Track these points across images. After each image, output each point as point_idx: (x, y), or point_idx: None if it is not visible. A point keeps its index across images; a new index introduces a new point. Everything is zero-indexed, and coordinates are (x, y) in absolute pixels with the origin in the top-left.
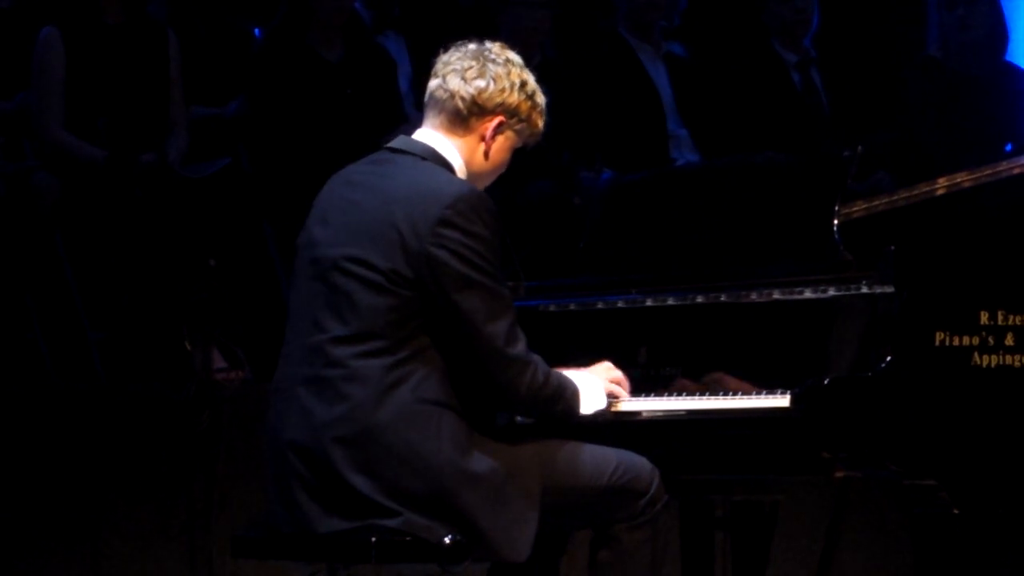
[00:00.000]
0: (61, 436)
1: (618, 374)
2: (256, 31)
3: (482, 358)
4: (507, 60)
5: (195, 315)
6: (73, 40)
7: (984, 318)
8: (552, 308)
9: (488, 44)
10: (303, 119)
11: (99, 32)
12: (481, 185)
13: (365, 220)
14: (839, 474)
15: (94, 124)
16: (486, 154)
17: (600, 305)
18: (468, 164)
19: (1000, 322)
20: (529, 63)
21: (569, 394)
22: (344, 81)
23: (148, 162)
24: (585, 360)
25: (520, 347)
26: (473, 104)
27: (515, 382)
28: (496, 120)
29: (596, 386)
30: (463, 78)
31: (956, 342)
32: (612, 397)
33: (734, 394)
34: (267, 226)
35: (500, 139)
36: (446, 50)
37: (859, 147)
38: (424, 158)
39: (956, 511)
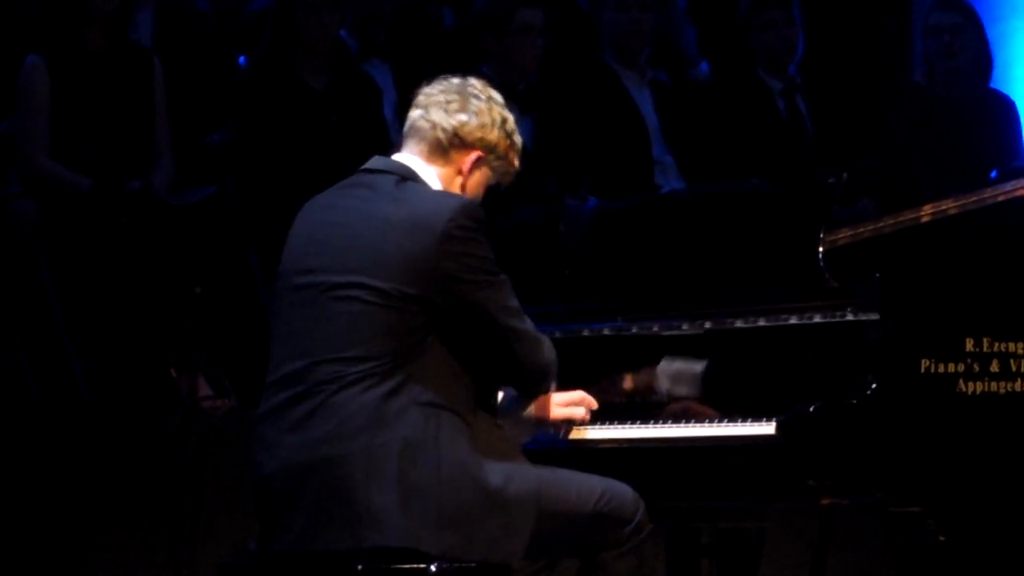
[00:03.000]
0: (46, 463)
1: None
2: (241, 59)
3: (500, 340)
4: (489, 97)
5: (181, 343)
6: (58, 68)
7: (969, 345)
8: None
9: (471, 80)
10: (289, 147)
11: (84, 60)
12: None
13: (362, 243)
14: (825, 501)
15: (79, 152)
16: (462, 187)
17: (586, 332)
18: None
19: (985, 349)
20: (515, 91)
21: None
22: (329, 109)
23: (133, 190)
24: (570, 387)
25: (530, 324)
26: (454, 136)
27: (529, 355)
28: (475, 155)
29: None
30: (445, 111)
31: (941, 369)
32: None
33: (720, 421)
34: (253, 254)
35: (477, 174)
36: (428, 82)
37: (844, 174)
38: (405, 177)
39: (942, 538)
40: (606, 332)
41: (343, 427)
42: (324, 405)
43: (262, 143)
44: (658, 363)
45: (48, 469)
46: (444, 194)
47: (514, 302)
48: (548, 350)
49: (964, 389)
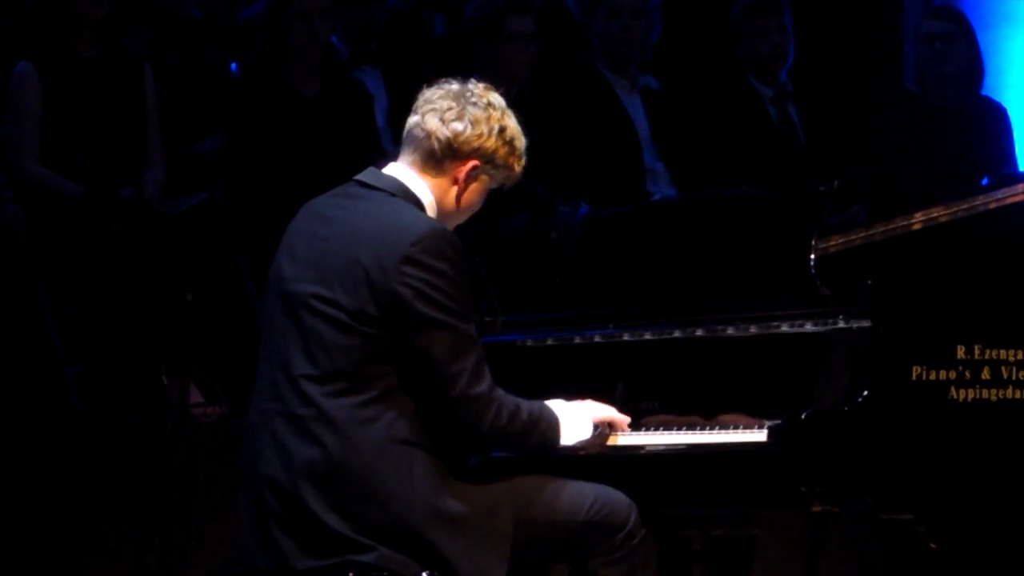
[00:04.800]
0: (37, 470)
1: (612, 415)
2: (233, 66)
3: (444, 398)
4: (488, 104)
5: (172, 350)
6: (48, 75)
7: (961, 352)
8: (529, 343)
9: (472, 84)
10: (280, 154)
11: (75, 66)
12: (452, 224)
13: (331, 258)
14: (816, 508)
15: (70, 159)
16: (458, 198)
17: (577, 340)
18: (439, 203)
19: (977, 356)
20: (506, 98)
21: (544, 426)
22: (321, 116)
23: (125, 197)
24: (562, 395)
25: (483, 386)
26: (448, 147)
27: (477, 421)
28: (471, 164)
29: (582, 416)
30: (441, 119)
31: (933, 376)
32: (604, 429)
33: (711, 429)
34: (244, 261)
35: (474, 185)
36: (429, 86)
37: (835, 181)
38: (393, 194)
39: (933, 545)
40: (597, 339)
41: (317, 445)
42: (304, 426)
43: (253, 150)
44: (649, 370)
45: (39, 476)
46: (419, 216)
47: (469, 361)
48: (500, 415)
49: (956, 396)
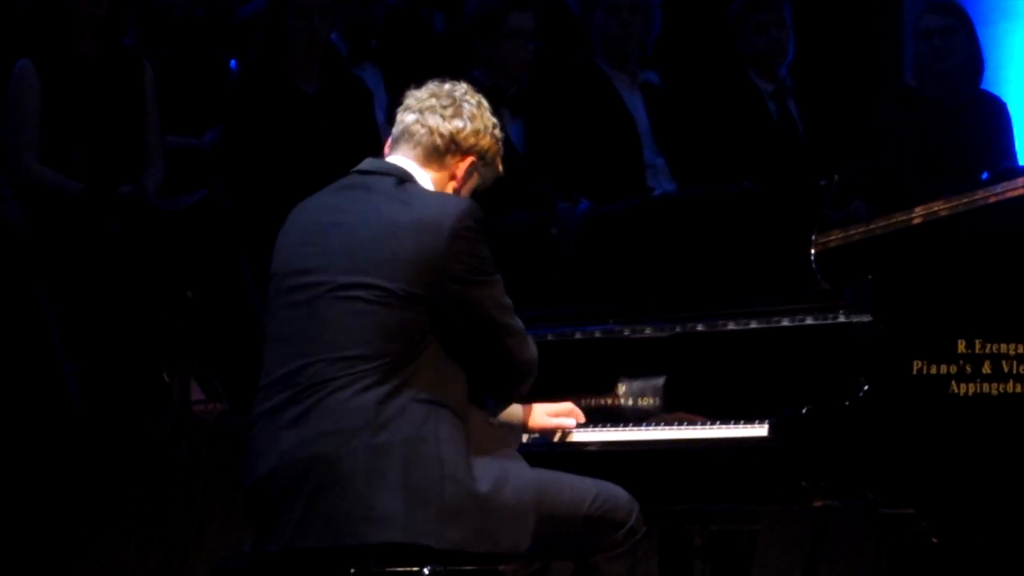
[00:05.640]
0: (37, 468)
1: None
2: (232, 63)
3: (494, 336)
4: (479, 102)
5: (173, 347)
6: (48, 72)
7: (961, 347)
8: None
9: (458, 84)
10: (280, 151)
11: (74, 64)
12: None
13: (366, 244)
14: (817, 503)
15: (70, 156)
16: (456, 192)
17: (578, 335)
18: None
19: (977, 351)
20: (505, 94)
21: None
22: (321, 113)
23: (125, 194)
24: (562, 391)
25: (520, 322)
26: (451, 142)
27: (516, 350)
28: (470, 160)
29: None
30: (442, 116)
31: (933, 371)
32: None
33: (712, 424)
34: (244, 258)
35: (470, 181)
36: (417, 86)
37: (835, 176)
38: (402, 179)
39: (934, 540)
40: (598, 335)
41: (342, 425)
42: (322, 403)
43: (253, 147)
44: (650, 365)
45: (39, 474)
46: (447, 196)
47: (507, 300)
48: (534, 347)
49: (956, 390)
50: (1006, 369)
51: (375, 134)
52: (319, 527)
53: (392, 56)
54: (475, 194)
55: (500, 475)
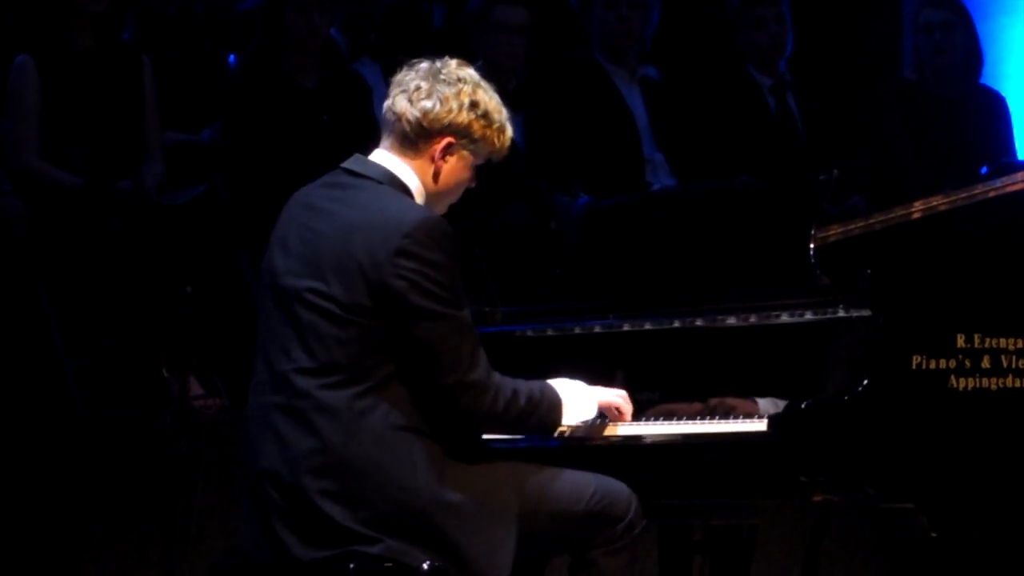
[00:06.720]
0: (38, 464)
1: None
2: (231, 58)
3: (442, 386)
4: (458, 79)
5: (172, 342)
6: (47, 68)
7: (961, 341)
8: (529, 333)
9: (443, 61)
10: (279, 145)
11: (73, 59)
12: (442, 205)
13: (325, 251)
14: (817, 498)
15: (69, 152)
16: (436, 176)
17: (577, 330)
18: (425, 186)
19: (977, 345)
20: (504, 89)
21: (545, 408)
22: (320, 107)
23: (124, 189)
24: None
25: (479, 373)
26: (419, 126)
27: (474, 408)
28: (445, 141)
29: (587, 398)
30: (410, 99)
31: (933, 365)
32: (608, 413)
33: (712, 418)
34: (243, 253)
35: (451, 160)
36: (402, 68)
37: (835, 171)
38: (381, 182)
39: (934, 534)
40: (597, 329)
41: (317, 437)
42: (303, 418)
43: (252, 142)
44: (649, 360)
45: (39, 470)
46: (411, 206)
47: (464, 349)
48: (496, 401)
49: (956, 385)
50: (1005, 364)
51: (374, 129)
52: (306, 538)
53: (391, 51)
54: (474, 190)
55: (481, 500)
